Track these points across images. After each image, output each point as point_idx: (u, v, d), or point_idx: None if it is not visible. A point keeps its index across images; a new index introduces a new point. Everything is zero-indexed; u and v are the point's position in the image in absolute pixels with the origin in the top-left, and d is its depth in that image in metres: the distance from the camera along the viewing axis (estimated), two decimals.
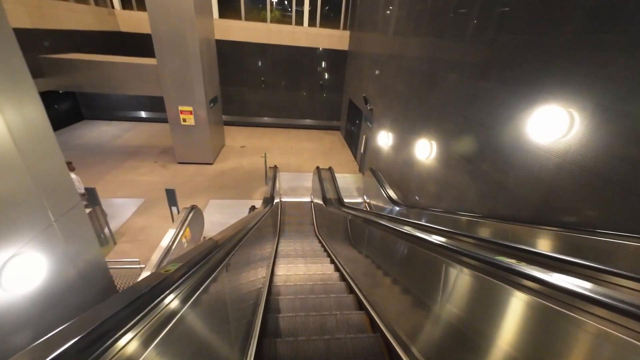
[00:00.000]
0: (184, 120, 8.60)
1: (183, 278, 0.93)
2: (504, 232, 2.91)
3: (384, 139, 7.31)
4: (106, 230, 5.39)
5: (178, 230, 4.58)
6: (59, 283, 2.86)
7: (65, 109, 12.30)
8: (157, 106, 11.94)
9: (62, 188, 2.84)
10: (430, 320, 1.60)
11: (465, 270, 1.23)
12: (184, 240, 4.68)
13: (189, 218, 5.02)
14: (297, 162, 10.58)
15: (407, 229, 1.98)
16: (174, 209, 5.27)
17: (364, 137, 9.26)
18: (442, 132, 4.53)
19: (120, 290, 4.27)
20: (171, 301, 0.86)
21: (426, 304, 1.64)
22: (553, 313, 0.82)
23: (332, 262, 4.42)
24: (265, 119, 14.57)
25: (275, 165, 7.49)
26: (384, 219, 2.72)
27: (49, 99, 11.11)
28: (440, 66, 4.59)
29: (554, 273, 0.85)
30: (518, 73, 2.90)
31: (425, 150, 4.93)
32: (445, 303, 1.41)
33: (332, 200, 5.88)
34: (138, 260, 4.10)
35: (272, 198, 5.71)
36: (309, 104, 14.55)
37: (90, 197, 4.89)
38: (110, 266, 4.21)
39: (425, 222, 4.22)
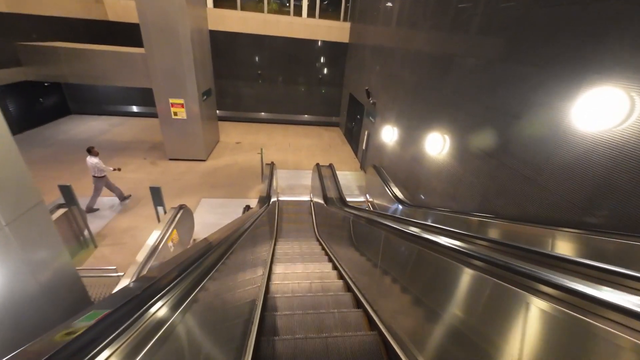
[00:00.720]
0: (175, 113, 8.14)
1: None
2: (537, 236, 2.53)
3: (389, 134, 6.91)
4: (86, 232, 4.94)
5: (163, 233, 4.16)
6: (15, 297, 2.43)
7: (51, 102, 11.77)
8: (148, 100, 11.41)
9: (16, 187, 2.41)
10: (453, 339, 1.35)
11: (480, 275, 1.16)
12: (170, 243, 4.26)
13: (177, 219, 4.60)
14: (295, 159, 10.16)
15: (425, 233, 1.69)
16: (160, 208, 4.84)
17: (365, 133, 8.87)
18: (457, 124, 4.13)
19: (95, 302, 3.85)
20: None
21: (450, 320, 1.38)
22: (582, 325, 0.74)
23: (335, 267, 4.02)
24: (262, 115, 14.12)
25: (272, 162, 7.08)
26: (396, 221, 2.36)
27: (32, 91, 10.58)
28: (456, 50, 4.19)
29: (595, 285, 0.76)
30: (556, 52, 2.50)
31: (437, 145, 4.53)
32: (467, 316, 1.27)
33: (334, 199, 5.48)
34: (115, 267, 3.67)
35: (269, 197, 5.30)
36: (307, 99, 14.11)
37: (66, 196, 4.45)
38: (83, 274, 3.79)
39: (437, 223, 3.83)
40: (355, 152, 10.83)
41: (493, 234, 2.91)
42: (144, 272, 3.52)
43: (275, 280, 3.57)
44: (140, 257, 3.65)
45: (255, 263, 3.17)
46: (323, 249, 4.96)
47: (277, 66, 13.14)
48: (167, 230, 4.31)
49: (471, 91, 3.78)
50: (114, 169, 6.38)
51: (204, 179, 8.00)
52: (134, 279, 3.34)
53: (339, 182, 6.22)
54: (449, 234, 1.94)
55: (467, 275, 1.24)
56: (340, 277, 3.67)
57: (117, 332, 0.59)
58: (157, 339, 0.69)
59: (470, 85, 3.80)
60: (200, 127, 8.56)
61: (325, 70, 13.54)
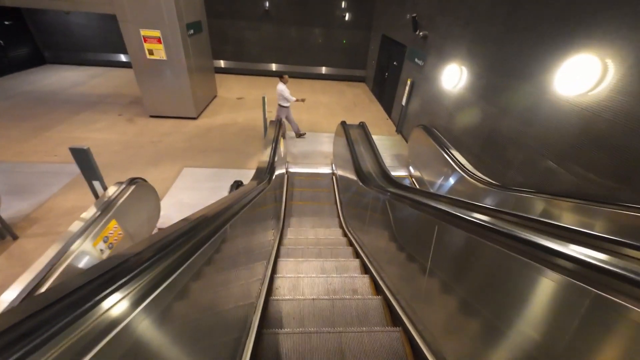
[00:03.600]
0: (150, 52, 6.18)
1: None
2: None
3: (452, 77, 4.75)
4: None
5: (85, 227, 2.47)
6: None
7: (19, 48, 10.05)
8: None
9: None
10: None
11: None
12: (100, 245, 2.58)
13: (120, 202, 2.89)
14: (310, 119, 8.16)
15: None
16: (97, 184, 3.12)
17: (407, 83, 6.64)
18: None
19: None
20: None
21: None
22: None
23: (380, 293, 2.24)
24: (271, 66, 11.87)
25: (280, 118, 5.16)
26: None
27: None
28: None
29: None
30: None
31: (585, 78, 2.44)
32: None
33: (373, 174, 3.57)
34: None
35: (272, 168, 3.47)
36: (325, 47, 11.64)
37: None
38: None
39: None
40: (388, 112, 8.63)
41: None
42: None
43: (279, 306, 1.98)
44: (29, 276, 1.97)
45: (245, 280, 1.75)
46: (362, 262, 3.19)
47: (288, 5, 10.61)
48: (98, 222, 2.61)
49: None
50: (297, 100, 6.25)
51: (192, 142, 6.22)
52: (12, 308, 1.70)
53: (376, 148, 4.26)
54: None
55: None
56: (388, 307, 1.95)
57: None
58: None
59: None
60: (187, 74, 6.60)
61: (349, 9, 10.86)
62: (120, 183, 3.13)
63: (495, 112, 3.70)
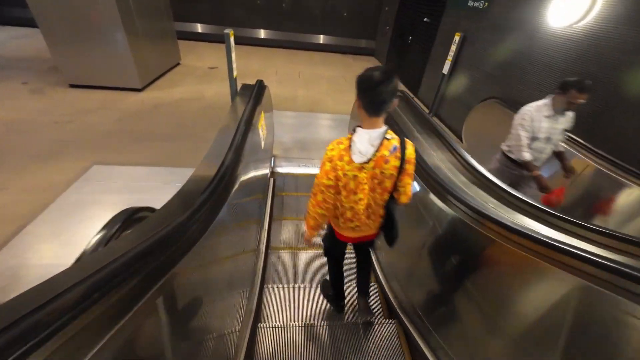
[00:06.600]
0: None
1: None
2: None
3: (568, 9, 2.72)
4: None
5: None
6: None
7: None
8: None
9: None
10: None
11: None
12: None
13: None
14: (309, 96, 6.06)
15: None
16: None
17: (455, 40, 4.57)
18: None
19: None
20: None
21: None
22: None
23: None
24: (259, 33, 9.61)
25: (260, 81, 3.04)
26: None
27: None
28: None
29: None
30: None
31: None
32: None
33: (450, 180, 1.55)
34: None
35: (231, 178, 1.40)
36: (326, 11, 9.44)
37: None
38: None
39: None
40: (414, 89, 6.54)
41: None
42: None
43: None
44: None
45: None
46: None
47: None
48: None
49: None
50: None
51: (124, 125, 4.08)
52: None
53: (442, 131, 2.22)
54: None
55: None
56: None
57: None
58: None
59: None
60: (119, 18, 4.38)
61: None
62: None
63: None
